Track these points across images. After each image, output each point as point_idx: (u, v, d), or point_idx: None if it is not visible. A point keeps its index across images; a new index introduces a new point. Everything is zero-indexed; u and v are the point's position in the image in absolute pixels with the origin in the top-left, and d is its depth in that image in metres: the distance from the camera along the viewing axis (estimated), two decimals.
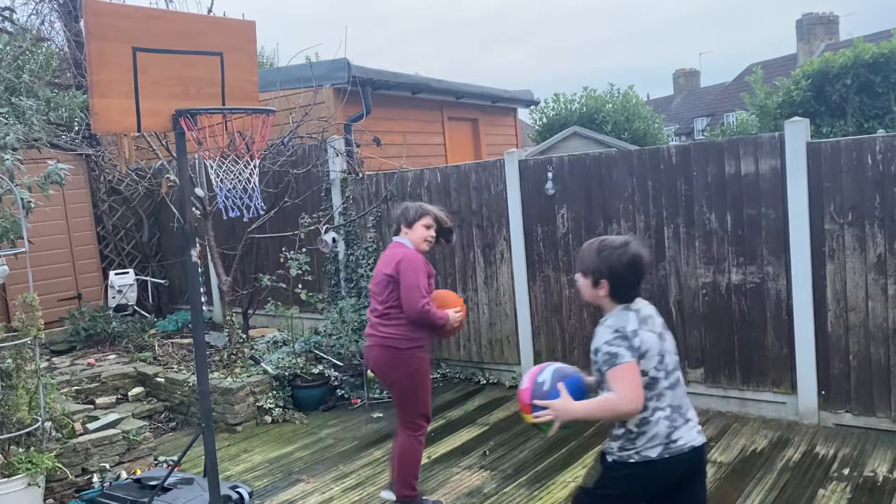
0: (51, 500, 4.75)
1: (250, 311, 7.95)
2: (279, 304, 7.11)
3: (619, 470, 2.71)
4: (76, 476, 4.86)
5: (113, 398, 6.59)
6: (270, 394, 6.37)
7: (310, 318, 7.65)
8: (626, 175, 5.90)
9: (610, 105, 20.24)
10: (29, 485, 4.35)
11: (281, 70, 8.59)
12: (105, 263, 9.14)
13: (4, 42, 7.05)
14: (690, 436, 2.72)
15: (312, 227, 7.44)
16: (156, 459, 5.40)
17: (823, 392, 5.23)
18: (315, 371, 6.56)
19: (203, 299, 8.40)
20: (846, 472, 4.51)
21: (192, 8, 6.27)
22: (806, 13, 32.60)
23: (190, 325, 8.19)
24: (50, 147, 7.46)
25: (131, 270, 8.86)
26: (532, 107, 17.09)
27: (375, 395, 6.58)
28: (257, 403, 6.29)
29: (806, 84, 15.15)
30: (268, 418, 6.28)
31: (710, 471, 4.66)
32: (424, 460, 5.15)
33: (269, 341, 7.35)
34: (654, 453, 2.65)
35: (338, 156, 7.76)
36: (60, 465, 4.66)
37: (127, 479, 4.77)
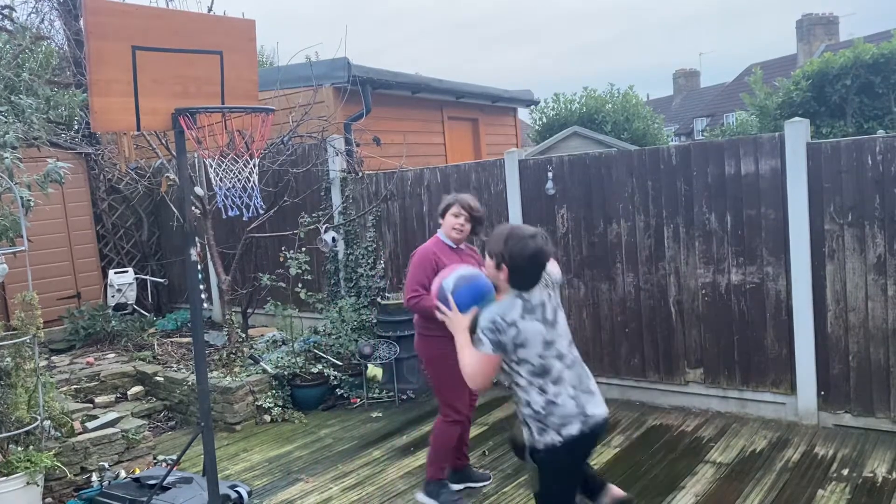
0: (49, 499, 4.75)
1: (250, 311, 7.95)
2: (278, 303, 7.10)
3: (551, 458, 2.89)
4: (75, 475, 4.86)
5: (112, 397, 6.59)
6: (269, 393, 6.37)
7: (309, 318, 7.64)
8: (625, 175, 5.90)
9: (610, 105, 20.28)
10: (28, 483, 4.34)
11: (281, 69, 8.58)
12: (104, 262, 9.14)
13: (4, 40, 7.04)
14: (600, 410, 2.98)
15: (312, 227, 7.44)
16: (155, 458, 5.39)
17: (823, 392, 5.23)
18: (314, 370, 6.56)
19: (202, 298, 8.39)
20: (845, 472, 4.51)
21: (192, 6, 6.27)
22: (806, 14, 32.64)
23: (189, 324, 8.19)
24: (49, 145, 7.45)
25: (131, 269, 8.86)
26: (532, 107, 17.10)
27: (375, 395, 6.58)
28: (256, 403, 6.29)
29: (806, 84, 15.15)
30: (267, 417, 6.28)
31: (710, 471, 4.66)
32: (423, 460, 5.15)
33: (268, 340, 7.34)
34: (574, 430, 2.87)
35: (337, 155, 7.75)
36: (59, 464, 4.66)
37: (126, 478, 4.76)
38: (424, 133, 9.93)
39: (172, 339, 7.94)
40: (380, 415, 6.25)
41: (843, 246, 5.05)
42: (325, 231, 7.40)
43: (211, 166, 3.70)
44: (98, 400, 6.41)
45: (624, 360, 6.07)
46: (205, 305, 8.72)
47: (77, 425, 5.14)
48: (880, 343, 4.98)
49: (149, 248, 9.63)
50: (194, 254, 3.78)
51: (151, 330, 8.27)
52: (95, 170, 8.94)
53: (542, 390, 2.87)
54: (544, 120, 21.02)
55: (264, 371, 6.47)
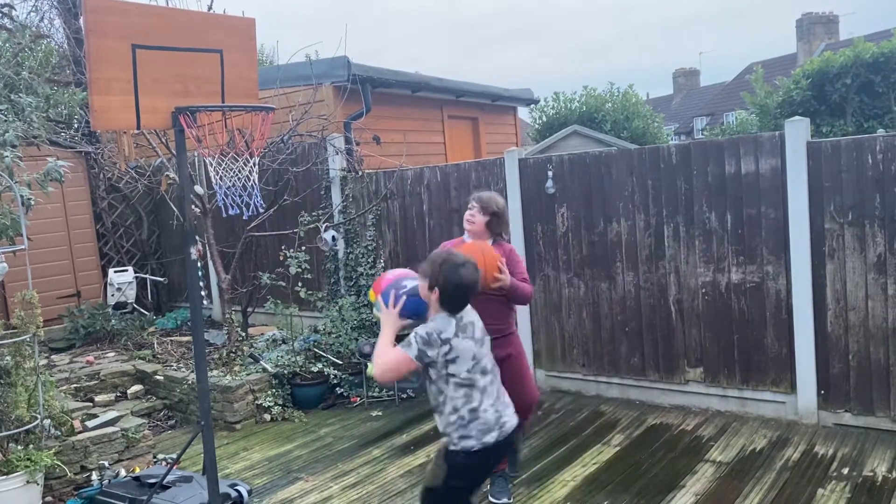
0: (49, 498, 4.75)
1: (250, 310, 7.94)
2: (278, 302, 7.10)
3: (464, 460, 3.11)
4: (75, 474, 4.86)
5: (112, 396, 6.59)
6: (269, 392, 6.37)
7: (309, 317, 7.64)
8: (625, 174, 5.90)
9: (609, 104, 20.27)
10: (28, 482, 4.34)
11: (281, 68, 8.58)
12: (104, 261, 9.14)
13: (4, 39, 7.03)
14: (513, 419, 3.23)
15: (312, 226, 7.44)
16: (155, 457, 5.39)
17: (823, 391, 5.23)
18: (314, 369, 6.56)
19: (202, 296, 8.39)
20: (845, 471, 4.51)
21: (192, 5, 6.27)
22: (806, 13, 32.62)
23: (189, 323, 8.19)
24: (49, 144, 7.45)
25: (130, 268, 8.86)
26: (532, 105, 17.11)
27: (375, 394, 6.58)
28: (256, 401, 6.29)
29: (806, 83, 15.15)
30: (267, 416, 6.28)
31: (710, 470, 4.66)
32: (423, 459, 5.16)
33: (268, 339, 7.34)
34: (492, 438, 3.10)
35: (337, 154, 7.75)
36: (59, 463, 4.66)
37: (126, 476, 4.76)
38: (424, 132, 9.93)
39: (172, 338, 7.94)
40: (380, 414, 6.25)
41: (843, 245, 5.05)
42: (325, 230, 7.40)
43: (211, 165, 3.70)
44: (98, 399, 6.41)
45: (624, 359, 6.07)
46: (204, 303, 8.72)
47: (77, 424, 5.13)
48: (880, 342, 4.98)
49: (149, 246, 9.62)
50: (194, 252, 3.77)
51: (151, 329, 8.27)
52: (95, 168, 8.93)
53: (468, 400, 3.09)
54: (544, 119, 21.00)
55: (264, 370, 6.47)
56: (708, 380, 5.70)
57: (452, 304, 3.12)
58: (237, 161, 3.77)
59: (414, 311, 3.18)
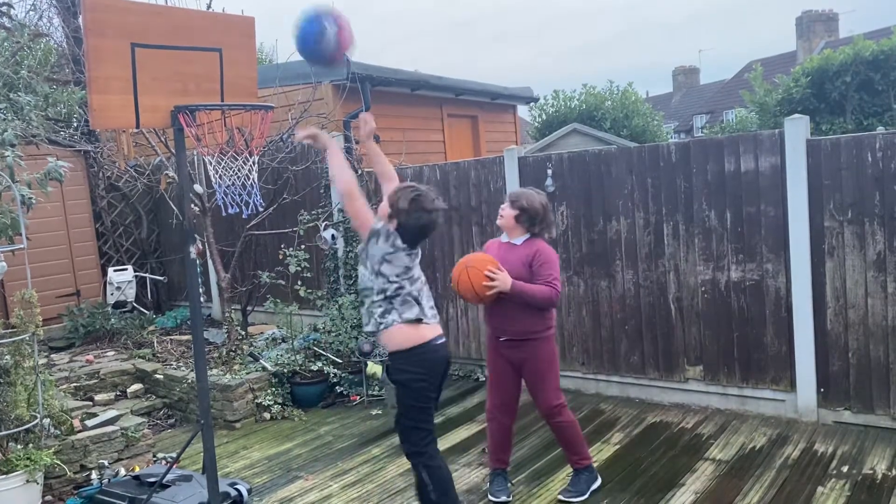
0: (49, 497, 4.74)
1: (249, 308, 7.94)
2: (278, 300, 7.10)
3: (402, 363, 3.42)
4: (75, 473, 4.86)
5: (112, 395, 6.59)
6: (269, 391, 6.36)
7: (309, 315, 7.64)
8: (625, 172, 5.89)
9: (609, 102, 20.25)
10: (27, 481, 4.34)
11: (280, 66, 8.56)
12: (104, 260, 9.13)
13: (2, 37, 7.02)
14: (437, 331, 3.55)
15: (311, 224, 7.43)
16: (154, 456, 5.39)
17: (822, 389, 5.23)
18: (314, 368, 6.56)
19: (202, 296, 8.39)
20: (845, 469, 4.51)
21: (191, 4, 6.27)
22: (806, 10, 32.60)
23: (189, 322, 8.19)
24: (48, 143, 7.44)
25: (130, 267, 8.86)
26: (531, 104, 17.11)
27: (374, 393, 6.58)
28: (256, 400, 6.29)
29: (805, 81, 15.16)
30: (266, 415, 6.28)
31: (710, 468, 4.67)
32: None
33: (268, 338, 7.34)
34: (412, 314, 3.41)
35: None
36: (59, 462, 4.66)
37: (126, 475, 4.76)
38: (424, 130, 9.92)
39: (172, 337, 7.94)
40: (379, 412, 6.24)
41: (842, 243, 5.05)
42: (325, 228, 7.39)
43: (210, 164, 3.69)
44: (98, 398, 6.41)
45: (623, 358, 6.07)
46: (204, 305, 8.72)
47: (76, 423, 5.13)
48: (880, 340, 4.98)
49: (148, 245, 9.62)
50: (194, 251, 3.77)
51: (151, 328, 8.26)
52: (94, 167, 8.93)
53: (395, 291, 3.44)
54: (544, 117, 20.99)
55: (264, 369, 6.47)
56: (708, 378, 5.70)
57: (410, 240, 3.40)
58: (237, 160, 3.77)
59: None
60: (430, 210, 3.32)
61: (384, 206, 3.41)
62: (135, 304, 8.79)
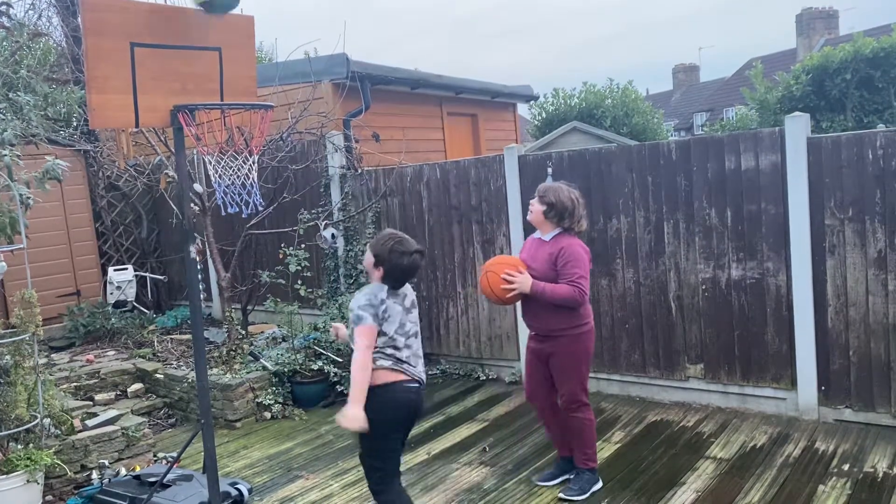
0: (50, 497, 4.74)
1: (249, 308, 7.94)
2: (278, 300, 7.09)
3: (371, 403, 3.35)
4: (75, 473, 4.86)
5: (112, 395, 6.59)
6: (270, 390, 6.36)
7: (309, 315, 7.63)
8: (625, 170, 5.89)
9: (609, 100, 20.22)
10: (28, 481, 4.34)
11: (280, 65, 8.56)
12: (104, 259, 9.13)
13: (2, 37, 7.02)
14: (419, 375, 3.56)
15: (311, 223, 7.43)
16: (155, 456, 5.39)
17: (823, 388, 5.22)
18: (314, 367, 6.55)
19: (202, 295, 8.39)
20: (846, 467, 4.51)
21: (190, 3, 6.25)
22: (806, 8, 32.59)
23: (189, 322, 8.18)
24: (48, 143, 7.43)
25: (130, 266, 8.85)
26: (531, 102, 17.08)
27: None
28: (256, 400, 6.28)
29: (806, 79, 15.14)
30: (267, 414, 6.28)
31: (710, 467, 4.66)
32: (423, 456, 5.16)
33: (268, 337, 7.34)
34: (386, 363, 3.43)
35: (337, 151, 7.74)
36: (59, 462, 4.66)
37: (126, 475, 4.75)
38: (424, 129, 9.91)
39: (172, 337, 7.93)
40: None
41: (843, 241, 5.04)
42: (325, 227, 7.39)
43: (210, 163, 3.69)
44: (98, 397, 6.40)
45: (624, 356, 6.06)
46: (204, 304, 8.72)
47: (77, 423, 5.13)
48: (881, 338, 4.97)
49: (148, 245, 9.61)
50: (194, 251, 3.77)
51: (151, 327, 8.26)
52: (94, 167, 8.92)
53: (385, 347, 3.46)
54: (544, 115, 20.97)
55: (264, 368, 6.46)
56: (708, 376, 5.69)
57: (394, 283, 3.50)
58: (237, 159, 3.76)
59: None
60: (410, 252, 3.46)
61: (368, 258, 3.53)
62: (135, 304, 8.79)
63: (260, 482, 4.97)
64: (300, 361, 6.56)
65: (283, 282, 7.15)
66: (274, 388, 6.39)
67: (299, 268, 7.02)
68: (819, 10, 32.39)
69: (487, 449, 5.26)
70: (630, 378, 6.08)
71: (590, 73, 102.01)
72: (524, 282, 4.13)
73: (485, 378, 6.92)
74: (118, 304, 8.57)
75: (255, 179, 3.80)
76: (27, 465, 4.35)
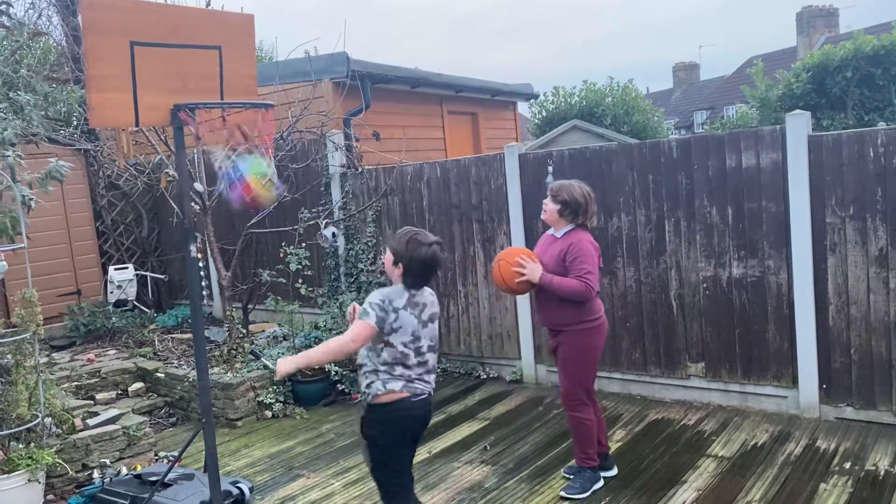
0: (51, 496, 4.75)
1: (250, 307, 7.93)
2: (279, 299, 7.09)
3: (374, 417, 3.30)
4: (76, 472, 4.86)
5: (113, 394, 6.59)
6: (271, 389, 6.36)
7: (310, 313, 7.63)
8: (626, 169, 5.88)
9: (609, 98, 20.21)
10: (29, 481, 4.35)
11: (280, 64, 8.55)
12: (104, 259, 9.13)
13: (2, 36, 7.02)
14: (429, 389, 3.40)
15: (312, 222, 7.42)
16: (156, 455, 5.39)
17: (824, 386, 5.22)
18: (315, 366, 6.54)
19: (203, 293, 8.38)
20: (847, 466, 4.51)
21: (190, 2, 6.24)
22: (806, 6, 32.56)
23: (190, 321, 8.18)
24: (48, 142, 7.43)
25: (131, 265, 8.85)
26: (532, 100, 17.07)
27: None
28: (258, 398, 6.29)
29: (806, 77, 15.13)
30: (268, 413, 6.28)
31: (712, 465, 4.66)
32: (424, 455, 5.16)
33: (269, 336, 7.34)
34: (396, 386, 3.27)
35: (337, 150, 7.73)
36: (60, 461, 4.66)
37: (127, 474, 4.76)
38: (424, 127, 9.91)
39: (173, 336, 7.93)
40: None
41: (844, 239, 5.04)
42: (325, 226, 7.39)
43: (214, 160, 3.68)
44: (99, 397, 6.41)
45: (625, 355, 6.06)
46: (205, 303, 8.72)
47: (78, 422, 5.13)
48: (882, 336, 4.97)
49: (149, 244, 9.61)
50: (194, 250, 3.76)
51: (152, 326, 8.26)
52: (95, 166, 8.91)
53: (396, 364, 3.29)
54: (544, 114, 20.96)
55: (265, 367, 6.46)
56: (709, 374, 5.69)
57: (415, 279, 3.32)
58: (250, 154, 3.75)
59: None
60: (429, 243, 3.30)
61: (388, 257, 3.35)
62: (136, 303, 8.79)
63: (261, 481, 4.97)
64: None
65: (284, 281, 7.15)
66: (275, 387, 6.39)
67: (300, 267, 7.01)
68: (819, 8, 32.37)
69: (488, 447, 5.26)
70: (631, 376, 6.08)
71: (590, 71, 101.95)
72: (535, 270, 4.21)
73: (485, 377, 6.92)
74: (119, 304, 8.56)
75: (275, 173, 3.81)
76: (28, 465, 4.35)
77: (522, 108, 16.75)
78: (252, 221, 7.34)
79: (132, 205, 9.43)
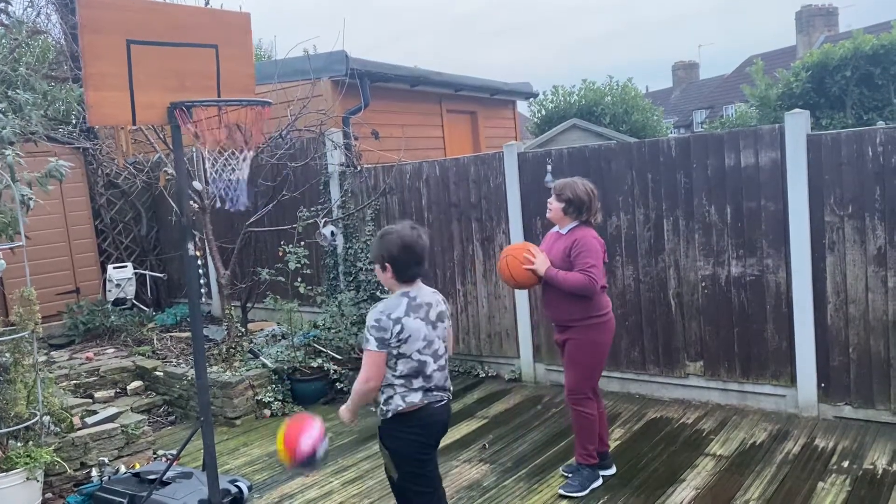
0: (49, 494, 4.74)
1: (249, 305, 7.93)
2: (278, 297, 7.09)
3: (394, 428, 3.19)
4: (75, 470, 4.86)
5: (111, 392, 6.59)
6: (269, 387, 6.36)
7: (309, 312, 7.63)
8: (625, 167, 5.88)
9: (609, 97, 20.18)
10: (27, 479, 4.34)
11: (278, 62, 8.54)
12: (103, 257, 9.12)
13: (0, 35, 7.00)
14: (448, 394, 3.32)
15: (311, 221, 7.42)
16: (155, 453, 5.39)
17: (823, 385, 5.22)
18: (314, 364, 6.55)
19: (202, 292, 8.38)
20: (846, 464, 4.51)
21: (187, 0, 6.23)
22: (805, 5, 32.55)
23: (188, 319, 8.18)
24: (47, 140, 7.42)
25: (129, 264, 8.84)
26: (531, 99, 17.05)
27: None
28: (256, 397, 6.28)
29: (806, 76, 15.13)
30: (267, 412, 6.28)
31: (710, 464, 4.66)
32: None
33: (267, 335, 7.33)
34: (415, 398, 3.16)
35: (336, 149, 7.73)
36: (59, 460, 4.66)
37: (126, 473, 4.75)
38: (423, 126, 9.90)
39: (172, 334, 7.93)
40: None
41: (843, 238, 5.04)
42: (324, 225, 7.38)
43: (209, 160, 3.68)
44: (97, 395, 6.41)
45: (624, 353, 6.06)
46: (203, 302, 8.71)
47: (76, 420, 5.13)
48: (880, 335, 4.97)
49: (147, 242, 9.60)
50: (192, 248, 3.76)
51: (151, 325, 8.26)
52: (93, 165, 8.91)
53: (413, 377, 3.16)
54: (543, 112, 20.93)
55: (264, 365, 6.46)
56: (708, 373, 5.69)
57: (403, 270, 3.17)
58: (235, 156, 3.75)
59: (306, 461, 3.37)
60: (400, 228, 3.18)
61: (377, 269, 3.26)
62: (134, 302, 8.79)
63: (259, 479, 4.97)
64: (300, 359, 6.56)
65: (283, 279, 7.15)
66: (273, 386, 6.39)
67: (299, 265, 7.01)
68: (819, 7, 32.36)
69: (487, 446, 5.26)
70: (630, 375, 6.08)
71: (590, 70, 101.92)
72: (542, 262, 4.27)
73: (484, 375, 6.92)
74: (117, 302, 8.56)
75: (243, 177, 3.77)
76: (27, 463, 4.35)
77: (522, 106, 16.75)
78: (251, 220, 7.34)
79: (131, 203, 9.42)
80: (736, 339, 5.52)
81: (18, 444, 4.53)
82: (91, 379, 6.62)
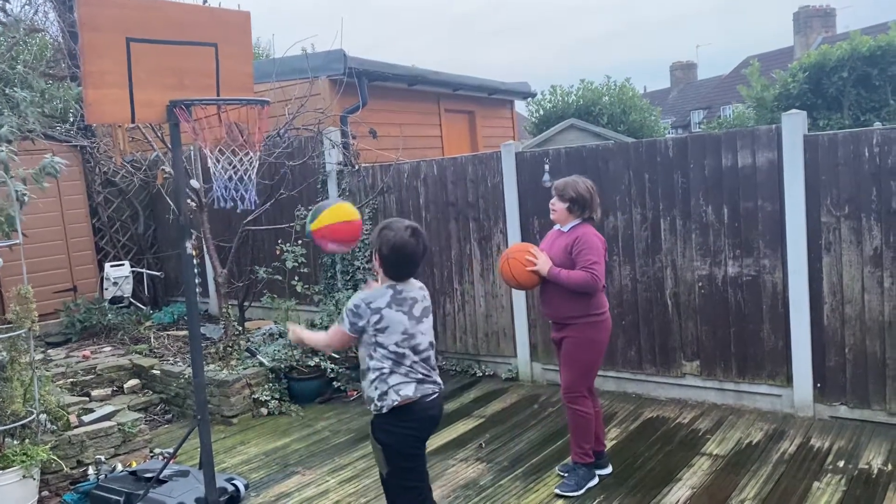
0: (46, 493, 4.74)
1: (246, 304, 7.93)
2: (275, 296, 7.09)
3: (387, 423, 3.20)
4: (71, 468, 4.85)
5: (108, 390, 6.58)
6: (266, 386, 6.36)
7: (306, 311, 7.64)
8: (622, 167, 5.89)
9: (607, 97, 20.21)
10: (24, 477, 4.34)
11: (277, 61, 8.54)
12: (100, 255, 9.11)
13: None
14: (438, 387, 3.35)
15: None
16: (151, 452, 5.39)
17: (819, 385, 5.23)
18: (311, 363, 6.55)
19: (199, 291, 8.38)
20: (841, 464, 4.52)
21: None
22: (803, 6, 32.60)
23: (185, 318, 8.17)
24: (44, 138, 7.42)
25: (127, 262, 8.84)
26: (529, 99, 17.07)
27: None
28: (253, 396, 6.28)
29: (803, 77, 15.15)
30: (264, 410, 6.28)
31: (706, 463, 4.67)
32: None
33: (265, 333, 7.33)
34: (409, 391, 3.18)
35: (334, 148, 7.73)
36: (55, 458, 4.65)
37: (122, 471, 4.75)
38: (421, 125, 9.91)
39: (169, 333, 7.93)
40: None
41: (839, 238, 5.05)
42: None
43: (209, 158, 3.68)
44: (94, 393, 6.40)
45: (620, 353, 6.07)
46: (200, 300, 8.71)
47: (73, 419, 5.13)
48: (876, 335, 4.99)
49: (145, 241, 9.60)
50: (190, 247, 3.76)
51: (148, 323, 8.25)
52: (91, 163, 8.90)
53: (393, 370, 3.20)
54: (541, 112, 20.96)
55: (261, 364, 6.46)
56: (704, 373, 5.70)
57: (393, 269, 3.21)
58: (236, 155, 3.76)
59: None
60: (400, 228, 3.18)
61: (374, 256, 3.27)
62: (131, 300, 8.78)
63: (256, 478, 4.97)
64: (297, 357, 6.56)
65: (280, 278, 7.15)
66: (270, 384, 6.39)
67: (296, 264, 7.01)
68: (816, 8, 32.42)
69: (483, 445, 5.27)
70: (626, 375, 6.09)
71: (589, 70, 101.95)
72: (544, 263, 4.29)
73: (481, 374, 6.93)
74: (115, 300, 8.56)
75: (253, 175, 3.79)
76: (23, 461, 4.34)
77: (520, 106, 16.77)
78: (248, 219, 7.33)
79: (128, 201, 9.41)
80: (732, 338, 5.54)
81: (15, 441, 4.53)
82: (88, 377, 6.61)
